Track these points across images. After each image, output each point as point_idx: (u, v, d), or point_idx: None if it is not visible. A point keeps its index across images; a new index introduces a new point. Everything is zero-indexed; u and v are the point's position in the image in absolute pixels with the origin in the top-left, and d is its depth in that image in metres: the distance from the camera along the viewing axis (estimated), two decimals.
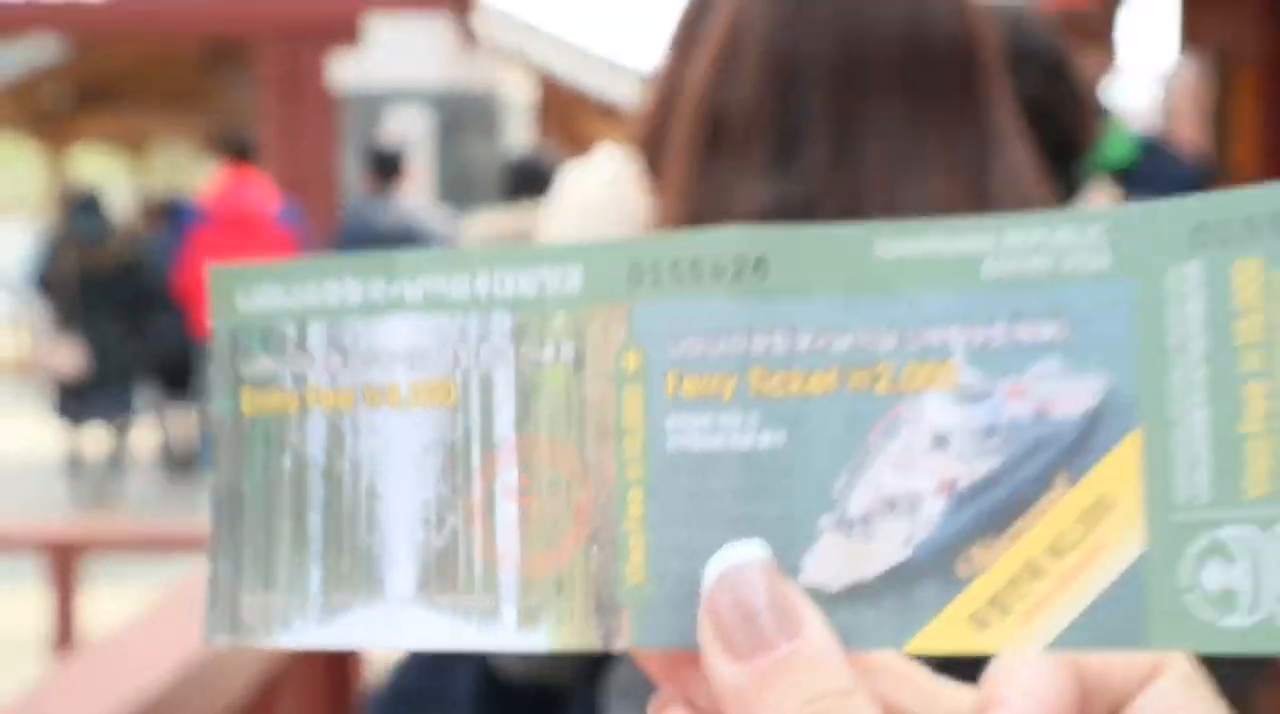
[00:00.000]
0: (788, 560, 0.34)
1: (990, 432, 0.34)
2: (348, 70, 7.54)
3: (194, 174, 14.24)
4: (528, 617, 0.35)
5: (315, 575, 0.37)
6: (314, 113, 8.15)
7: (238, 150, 6.09)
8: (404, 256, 0.37)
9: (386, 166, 4.83)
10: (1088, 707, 0.35)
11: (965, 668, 0.37)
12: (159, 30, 9.19)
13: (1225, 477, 0.32)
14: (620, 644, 0.35)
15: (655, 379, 0.35)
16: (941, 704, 0.36)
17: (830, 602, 0.34)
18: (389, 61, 7.54)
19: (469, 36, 8.08)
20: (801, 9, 0.93)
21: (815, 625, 0.33)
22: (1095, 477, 0.33)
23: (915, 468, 0.34)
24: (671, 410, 0.35)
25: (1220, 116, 5.07)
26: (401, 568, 0.36)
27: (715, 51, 0.95)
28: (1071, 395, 0.33)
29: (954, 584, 0.34)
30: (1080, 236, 0.34)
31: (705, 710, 0.34)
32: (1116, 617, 0.33)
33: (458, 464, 0.36)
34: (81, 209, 6.87)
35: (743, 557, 0.34)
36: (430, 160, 7.32)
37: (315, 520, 0.37)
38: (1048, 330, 0.34)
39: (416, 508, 0.36)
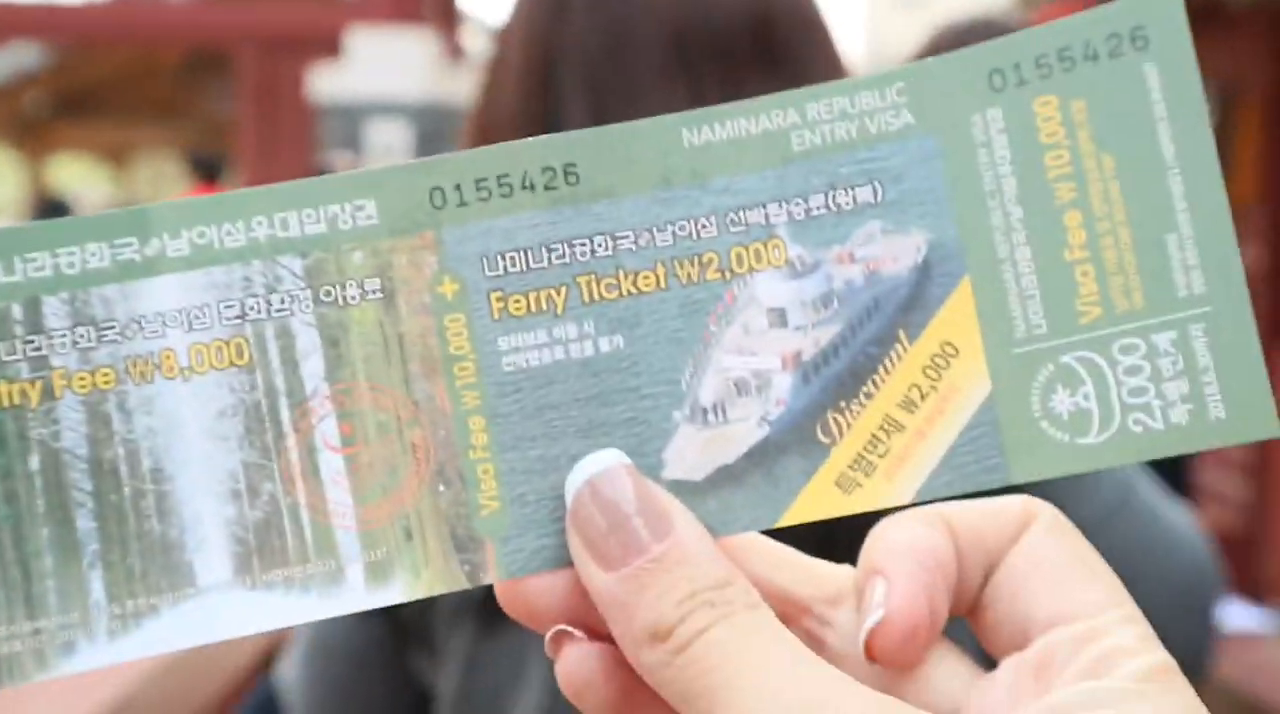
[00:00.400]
0: (647, 459, 0.34)
1: (825, 301, 0.34)
2: (328, 82, 7.42)
3: (178, 186, 14.12)
4: (377, 572, 0.33)
5: (96, 584, 0.32)
6: (292, 124, 8.02)
7: (207, 171, 6.12)
8: (157, 209, 0.33)
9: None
10: (964, 567, 0.35)
11: (842, 552, 0.37)
12: (138, 37, 9.07)
13: (1058, 305, 0.34)
14: (488, 578, 0.34)
15: (478, 303, 0.34)
16: (821, 580, 0.36)
17: (697, 491, 0.34)
18: (370, 74, 7.40)
19: (454, 50, 7.95)
20: (561, 5, 0.86)
21: (684, 521, 0.33)
22: (934, 327, 0.34)
23: (758, 348, 0.34)
24: (501, 332, 0.34)
25: (1221, 147, 4.96)
26: (212, 551, 0.33)
27: (485, 72, 0.91)
28: (897, 253, 0.34)
29: (816, 454, 0.35)
30: (880, 98, 0.34)
31: (602, 629, 0.33)
32: (976, 456, 0.34)
33: (265, 426, 0.33)
34: (47, 216, 6.73)
35: (601, 464, 0.33)
36: None
37: (85, 521, 0.32)
38: (864, 193, 0.34)
39: (220, 481, 0.33)
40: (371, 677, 0.97)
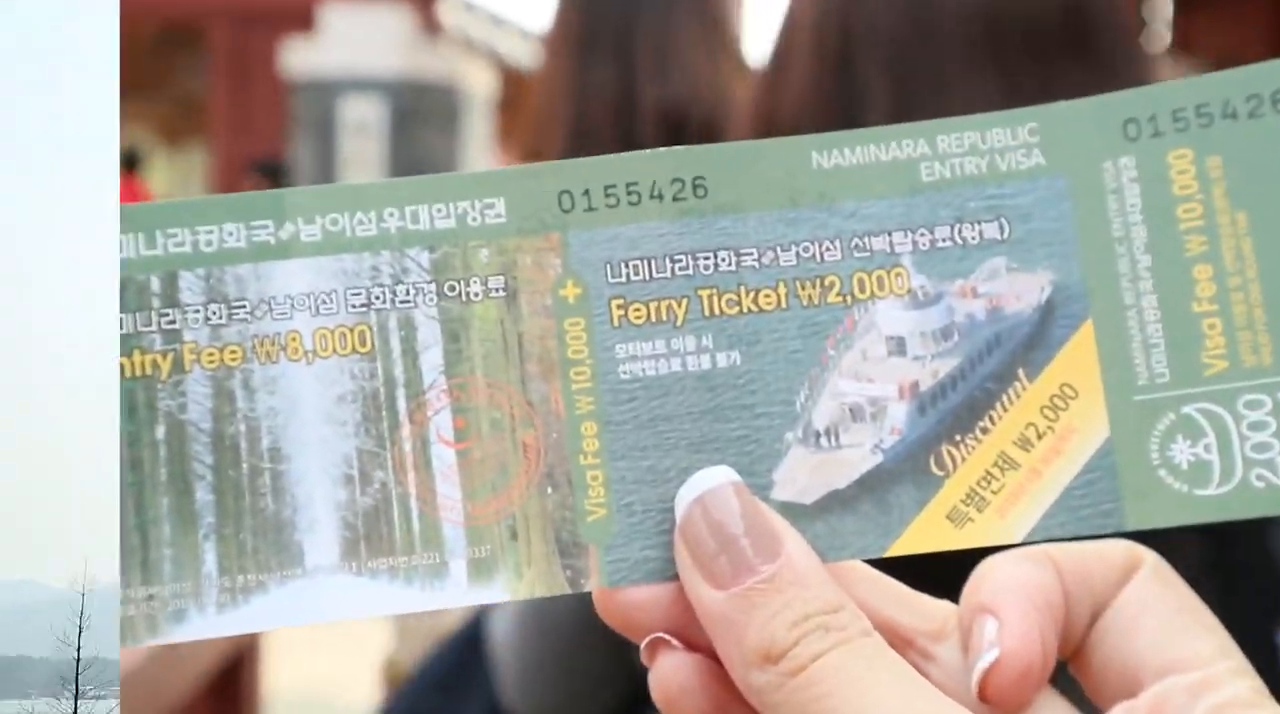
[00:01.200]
0: (758, 479, 0.34)
1: (946, 333, 0.34)
2: (301, 57, 7.28)
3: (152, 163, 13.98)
4: (480, 569, 0.33)
5: (209, 556, 0.33)
6: (265, 100, 7.87)
7: (125, 162, 6.13)
8: (293, 194, 0.33)
9: (272, 178, 5.27)
10: (1072, 607, 0.35)
11: (941, 587, 0.36)
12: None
13: (1183, 356, 0.34)
14: (589, 584, 0.34)
15: (599, 308, 0.34)
16: (924, 613, 0.35)
17: (807, 515, 0.34)
18: (344, 49, 7.27)
19: (430, 25, 7.82)
20: None
21: (795, 543, 0.32)
22: (1054, 368, 0.34)
23: (875, 375, 0.34)
24: (619, 339, 0.34)
25: None
26: (322, 534, 0.33)
27: (762, 57, 0.86)
28: (1021, 291, 0.34)
29: (928, 485, 0.34)
30: (1012, 137, 0.35)
31: (700, 643, 0.33)
32: (1092, 500, 0.34)
33: (382, 414, 0.33)
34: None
35: (713, 481, 0.33)
36: (383, 153, 7.05)
37: (203, 494, 0.33)
38: (990, 229, 0.34)
39: (334, 466, 0.33)
40: (595, 643, 0.95)
